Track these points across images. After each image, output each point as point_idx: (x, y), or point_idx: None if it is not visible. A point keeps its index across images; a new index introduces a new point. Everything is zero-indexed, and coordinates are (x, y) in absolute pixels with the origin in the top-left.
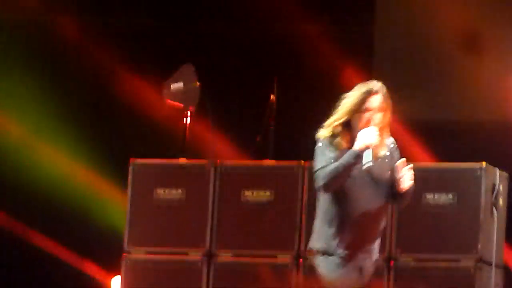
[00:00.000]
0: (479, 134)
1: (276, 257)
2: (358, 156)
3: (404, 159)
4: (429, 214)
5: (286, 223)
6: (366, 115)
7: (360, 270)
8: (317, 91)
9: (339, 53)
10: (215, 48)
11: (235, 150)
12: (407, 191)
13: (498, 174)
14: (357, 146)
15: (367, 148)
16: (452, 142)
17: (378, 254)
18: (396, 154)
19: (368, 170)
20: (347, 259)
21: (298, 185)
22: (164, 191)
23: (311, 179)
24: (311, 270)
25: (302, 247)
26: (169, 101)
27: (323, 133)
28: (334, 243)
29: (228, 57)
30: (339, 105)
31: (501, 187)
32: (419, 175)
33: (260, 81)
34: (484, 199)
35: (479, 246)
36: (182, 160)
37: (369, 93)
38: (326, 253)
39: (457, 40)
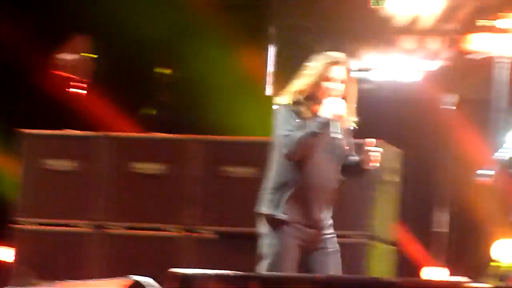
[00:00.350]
0: None
1: (166, 230)
2: (326, 125)
3: (373, 139)
4: None
5: (177, 196)
6: (329, 85)
7: (304, 241)
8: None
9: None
10: (108, 20)
11: (127, 121)
12: (368, 170)
13: (393, 151)
14: (324, 114)
15: (335, 117)
16: None
17: (330, 230)
18: (351, 134)
19: (329, 142)
20: (291, 228)
21: (191, 158)
22: (56, 162)
23: (207, 152)
24: (202, 244)
25: (195, 221)
26: (61, 72)
27: (283, 100)
28: (281, 210)
29: (122, 28)
30: (301, 73)
31: (395, 164)
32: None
33: (154, 55)
34: (377, 175)
35: (371, 222)
36: (75, 132)
37: (333, 63)
38: (271, 219)
39: None
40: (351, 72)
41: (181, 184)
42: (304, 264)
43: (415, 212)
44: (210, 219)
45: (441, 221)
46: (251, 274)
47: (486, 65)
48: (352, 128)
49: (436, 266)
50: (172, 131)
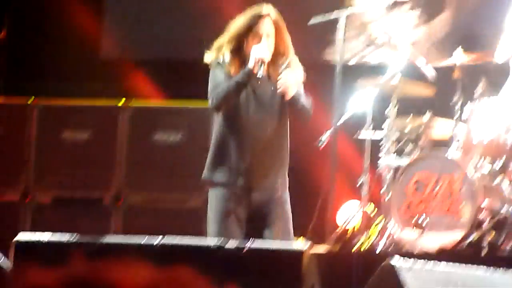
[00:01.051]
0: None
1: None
2: (250, 73)
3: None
4: (159, 153)
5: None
6: (255, 40)
7: (249, 204)
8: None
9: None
10: None
11: None
12: (293, 101)
13: None
14: (249, 64)
15: (259, 62)
16: (186, 81)
17: (279, 190)
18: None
19: (261, 92)
20: (232, 190)
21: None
22: None
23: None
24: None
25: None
26: None
27: (211, 56)
28: (220, 172)
29: None
30: (227, 28)
31: None
32: (148, 115)
33: None
34: None
35: None
36: None
37: (257, 17)
38: (211, 183)
39: None
40: (279, 24)
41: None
42: (251, 226)
43: None
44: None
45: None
46: (75, 240)
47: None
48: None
49: None
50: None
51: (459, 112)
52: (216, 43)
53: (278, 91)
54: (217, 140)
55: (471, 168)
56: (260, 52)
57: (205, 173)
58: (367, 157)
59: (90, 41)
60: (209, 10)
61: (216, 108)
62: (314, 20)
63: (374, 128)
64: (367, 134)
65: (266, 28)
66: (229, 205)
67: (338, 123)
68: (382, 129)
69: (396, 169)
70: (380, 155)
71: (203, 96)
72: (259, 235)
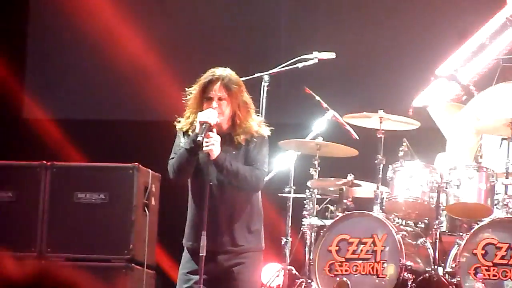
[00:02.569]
0: (132, 134)
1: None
2: (194, 139)
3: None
4: (81, 213)
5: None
6: (208, 103)
7: (214, 267)
8: None
9: None
10: None
11: None
12: (217, 163)
13: (150, 175)
14: (196, 130)
15: (203, 126)
16: (105, 142)
17: (233, 244)
18: (258, 143)
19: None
20: (194, 252)
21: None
22: None
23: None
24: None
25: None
26: None
27: (178, 125)
28: (185, 236)
29: None
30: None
31: (153, 188)
32: (71, 174)
33: None
34: (136, 199)
35: (131, 246)
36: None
37: (209, 82)
38: (185, 245)
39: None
40: (231, 87)
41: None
42: None
43: (179, 237)
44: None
45: (203, 246)
46: None
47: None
48: (256, 141)
49: None
50: None
51: (382, 172)
52: (186, 110)
53: (204, 149)
54: (188, 205)
55: (394, 228)
56: (203, 116)
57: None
58: (290, 217)
59: (12, 101)
60: (130, 73)
61: (174, 178)
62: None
63: (297, 188)
64: (290, 193)
65: (216, 91)
66: (194, 267)
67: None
68: (306, 189)
69: (319, 229)
70: (303, 214)
71: (126, 155)
72: None
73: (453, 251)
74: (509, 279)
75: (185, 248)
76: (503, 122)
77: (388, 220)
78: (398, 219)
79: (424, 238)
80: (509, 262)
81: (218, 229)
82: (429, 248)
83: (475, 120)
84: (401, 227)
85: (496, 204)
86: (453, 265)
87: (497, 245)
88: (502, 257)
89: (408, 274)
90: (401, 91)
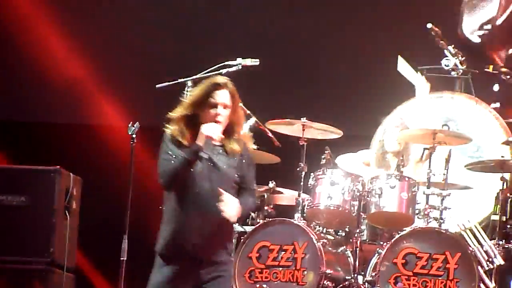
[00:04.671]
0: (54, 137)
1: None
2: (197, 151)
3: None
4: (1, 215)
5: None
6: (211, 110)
7: (185, 278)
8: None
9: None
10: None
11: None
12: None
13: (72, 178)
14: (198, 141)
15: (207, 141)
16: (26, 144)
17: (216, 266)
18: (247, 158)
19: (209, 169)
20: (172, 263)
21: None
22: None
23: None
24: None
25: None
26: None
27: (167, 128)
28: (162, 243)
29: None
30: (185, 98)
31: (74, 191)
32: None
33: None
34: (57, 202)
35: (51, 249)
36: None
37: (214, 87)
38: (158, 254)
39: None
40: (235, 96)
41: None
42: None
43: (99, 240)
44: None
45: (124, 249)
46: None
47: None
48: (246, 155)
49: None
50: None
51: (304, 179)
52: (175, 113)
53: (222, 216)
54: (166, 211)
55: (315, 235)
56: (210, 130)
57: (156, 245)
58: None
59: None
60: (54, 77)
61: (166, 187)
62: (161, 85)
63: None
64: None
65: (223, 98)
66: (164, 278)
67: None
68: None
69: (240, 235)
70: None
71: (48, 158)
72: None
73: (374, 260)
74: None
75: (159, 255)
76: (426, 132)
77: (309, 228)
78: (319, 227)
79: (344, 247)
80: (429, 272)
81: (209, 239)
82: (350, 257)
83: (398, 130)
84: (322, 235)
85: (417, 214)
86: (373, 274)
87: (417, 255)
88: (422, 267)
89: (328, 282)
90: (325, 99)
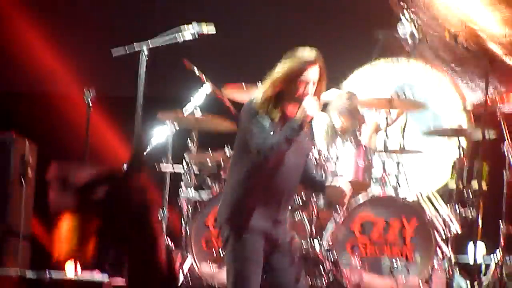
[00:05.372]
0: (9, 104)
1: None
2: (300, 128)
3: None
4: None
5: None
6: (302, 86)
7: (267, 244)
8: None
9: None
10: None
11: None
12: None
13: (27, 145)
14: (299, 118)
15: (309, 119)
16: None
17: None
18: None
19: (299, 145)
20: (255, 232)
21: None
22: None
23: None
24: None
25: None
26: None
27: (256, 100)
28: (245, 215)
29: None
30: (273, 71)
31: (30, 158)
32: None
33: None
34: (13, 169)
35: (7, 217)
36: None
37: (305, 64)
38: (238, 226)
39: None
40: (323, 70)
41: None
42: (268, 266)
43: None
44: None
45: None
46: None
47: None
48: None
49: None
50: None
51: None
52: (264, 86)
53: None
54: (245, 182)
55: None
56: (312, 109)
57: (231, 215)
58: (167, 191)
59: None
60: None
61: (266, 161)
62: (116, 52)
63: (175, 162)
64: (167, 167)
65: (313, 75)
66: (257, 246)
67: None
68: (183, 163)
69: (197, 203)
70: (180, 188)
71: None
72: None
73: (330, 227)
74: (386, 256)
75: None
76: (381, 100)
77: None
78: None
79: (301, 213)
80: (386, 239)
81: (284, 211)
82: (306, 223)
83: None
84: None
85: (373, 181)
86: (330, 240)
87: (374, 222)
88: (379, 234)
89: None
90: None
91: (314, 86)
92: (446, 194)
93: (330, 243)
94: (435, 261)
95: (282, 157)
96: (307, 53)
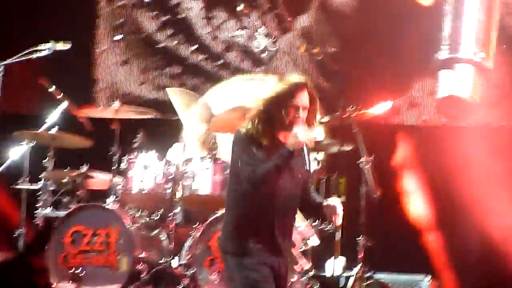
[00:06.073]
0: None
1: None
2: (290, 157)
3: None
4: None
5: None
6: (291, 112)
7: (273, 270)
8: None
9: None
10: None
11: None
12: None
13: None
14: (290, 145)
15: (300, 147)
16: None
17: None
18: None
19: (294, 171)
20: (261, 259)
21: None
22: None
23: None
24: None
25: None
26: None
27: (247, 127)
28: (250, 242)
29: None
30: (262, 97)
31: None
32: None
33: None
34: None
35: None
36: None
37: (295, 89)
38: (241, 253)
39: None
40: (314, 95)
41: None
42: None
43: None
44: None
45: None
46: None
47: None
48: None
49: None
50: None
51: (117, 163)
52: (252, 112)
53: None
54: (245, 210)
55: (128, 219)
56: (304, 135)
57: (235, 244)
58: (24, 209)
59: None
60: None
61: (256, 190)
62: None
63: (31, 179)
64: (24, 185)
65: (304, 100)
66: (266, 268)
67: None
68: (40, 180)
69: (54, 221)
70: (37, 206)
71: None
72: None
73: (188, 243)
74: None
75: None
76: (235, 116)
77: (122, 211)
78: (133, 210)
79: (159, 230)
80: None
81: (285, 237)
82: (164, 240)
83: (209, 112)
84: (136, 218)
85: None
86: (188, 257)
87: None
88: None
89: (142, 266)
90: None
91: (305, 112)
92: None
93: (188, 259)
94: (295, 275)
95: (274, 185)
96: (297, 77)
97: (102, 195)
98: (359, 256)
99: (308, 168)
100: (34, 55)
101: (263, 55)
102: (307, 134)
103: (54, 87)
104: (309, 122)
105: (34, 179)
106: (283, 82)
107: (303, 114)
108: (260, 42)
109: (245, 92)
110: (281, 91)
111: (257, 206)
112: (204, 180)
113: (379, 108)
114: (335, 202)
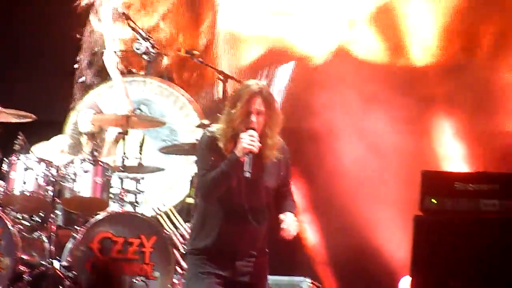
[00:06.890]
0: None
1: None
2: (237, 164)
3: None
4: None
5: None
6: (244, 115)
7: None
8: None
9: None
10: None
11: None
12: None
13: None
14: (237, 152)
15: (247, 155)
16: None
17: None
18: (285, 161)
19: (251, 182)
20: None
21: None
22: None
23: None
24: None
25: None
26: None
27: (208, 132)
28: (199, 245)
29: None
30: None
31: None
32: None
33: None
34: None
35: None
36: None
37: (249, 92)
38: (195, 253)
39: None
40: (273, 101)
41: None
42: None
43: None
44: None
45: None
46: None
47: None
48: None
49: None
50: None
51: None
52: (220, 119)
53: (283, 235)
54: (201, 217)
55: (9, 221)
56: (249, 143)
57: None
58: None
59: None
60: None
61: (205, 200)
62: None
63: None
64: None
65: (257, 105)
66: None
67: None
68: None
69: None
70: None
71: None
72: None
73: (69, 245)
74: (126, 274)
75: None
76: (119, 116)
77: (4, 213)
78: (15, 212)
79: (40, 232)
80: (126, 256)
81: (241, 251)
82: (45, 242)
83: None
84: (17, 220)
85: (112, 198)
86: (69, 259)
87: (113, 239)
88: (119, 251)
89: (24, 267)
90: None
91: (260, 117)
92: (184, 210)
93: (69, 262)
94: (174, 278)
95: (220, 192)
96: (252, 83)
97: None
98: None
99: (282, 173)
100: None
101: (144, 57)
102: (252, 140)
103: None
104: (270, 128)
105: None
106: (241, 85)
107: (255, 119)
108: (142, 44)
109: (128, 94)
110: (235, 93)
111: (210, 210)
112: (84, 182)
113: None
114: (289, 218)
